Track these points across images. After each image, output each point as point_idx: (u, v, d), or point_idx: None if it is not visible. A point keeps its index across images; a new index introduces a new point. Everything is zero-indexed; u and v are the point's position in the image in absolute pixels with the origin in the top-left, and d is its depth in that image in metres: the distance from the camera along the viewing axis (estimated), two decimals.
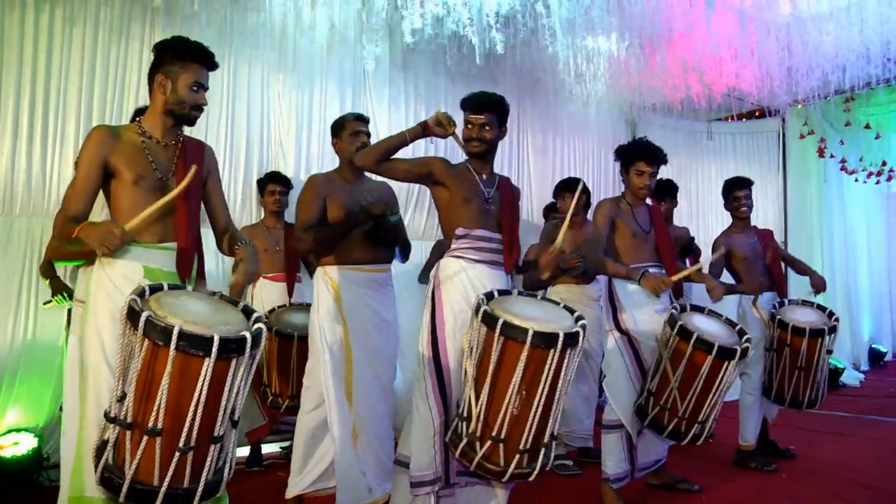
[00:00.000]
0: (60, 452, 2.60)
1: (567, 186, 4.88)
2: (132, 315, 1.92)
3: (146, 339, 1.89)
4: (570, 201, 4.74)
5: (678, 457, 4.20)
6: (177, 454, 1.92)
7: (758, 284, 4.56)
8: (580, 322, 2.57)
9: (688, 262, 5.23)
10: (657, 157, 3.71)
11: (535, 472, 2.53)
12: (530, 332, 2.36)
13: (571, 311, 2.72)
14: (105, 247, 2.17)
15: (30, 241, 4.15)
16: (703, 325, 3.42)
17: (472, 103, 2.98)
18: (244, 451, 4.46)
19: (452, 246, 2.94)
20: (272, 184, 4.60)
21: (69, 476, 2.26)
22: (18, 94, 4.10)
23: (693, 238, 5.40)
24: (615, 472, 3.59)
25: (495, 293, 2.69)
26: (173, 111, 2.46)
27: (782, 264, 4.88)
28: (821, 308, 4.46)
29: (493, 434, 2.47)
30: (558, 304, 2.80)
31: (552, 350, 2.39)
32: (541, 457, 2.54)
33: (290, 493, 3.37)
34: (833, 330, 4.21)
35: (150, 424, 1.89)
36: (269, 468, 4.39)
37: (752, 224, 4.77)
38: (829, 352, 4.28)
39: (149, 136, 2.46)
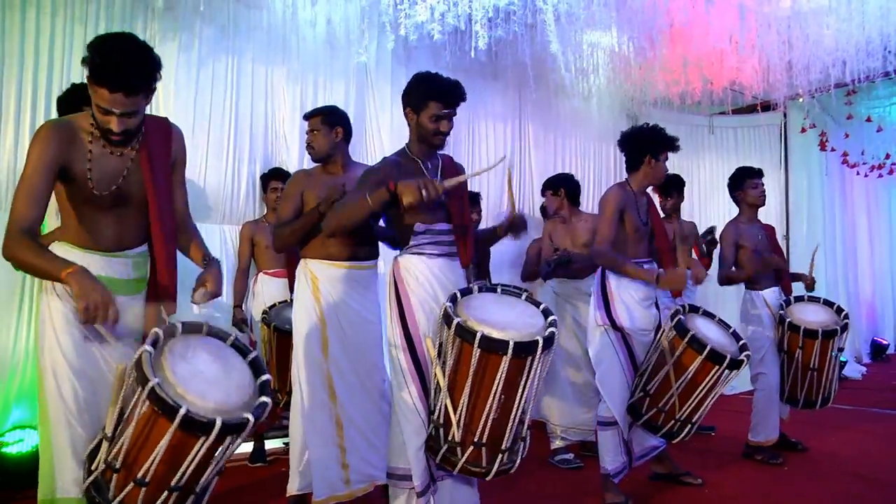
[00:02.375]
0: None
1: (550, 185, 4.93)
2: (142, 376, 1.86)
3: (148, 403, 1.84)
4: (552, 199, 4.82)
5: (681, 451, 4.21)
6: (191, 497, 1.96)
7: (763, 277, 4.57)
8: (549, 318, 2.54)
9: (693, 252, 5.25)
10: (677, 146, 3.76)
11: (516, 466, 2.54)
12: (511, 345, 2.32)
13: (537, 305, 2.66)
14: (88, 315, 1.93)
15: None
16: (707, 330, 3.42)
17: (453, 97, 2.78)
18: (248, 447, 4.48)
19: (411, 242, 2.78)
20: (274, 180, 4.63)
21: (41, 478, 2.17)
22: (20, 93, 4.10)
23: (713, 229, 5.38)
24: (614, 467, 3.59)
25: (458, 294, 2.61)
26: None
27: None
28: (828, 303, 4.44)
29: (476, 440, 2.45)
30: (520, 296, 2.73)
31: (531, 357, 2.37)
32: (518, 452, 2.56)
33: (291, 490, 3.37)
34: (845, 328, 4.19)
35: (139, 476, 1.88)
36: (273, 463, 4.40)
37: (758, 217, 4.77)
38: (841, 349, 4.27)
39: (100, 138, 2.19)
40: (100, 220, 2.23)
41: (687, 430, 3.37)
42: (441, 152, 2.96)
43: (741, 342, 3.43)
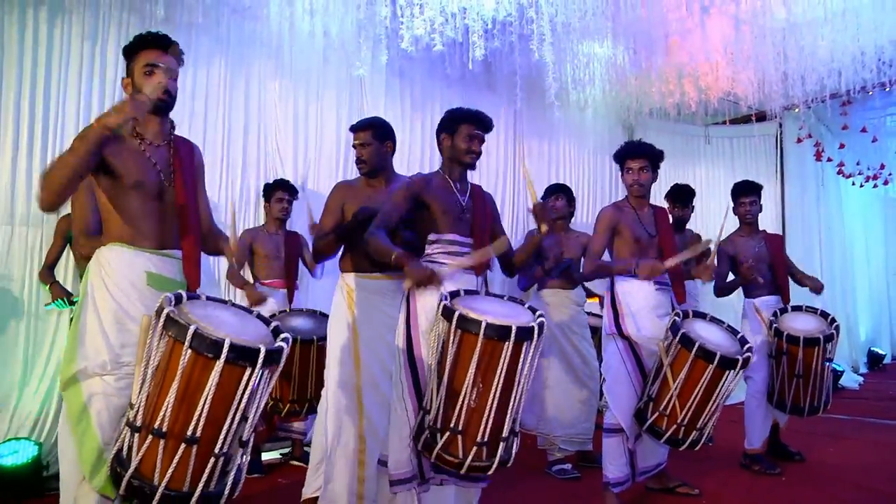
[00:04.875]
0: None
1: (563, 190, 4.93)
2: (175, 325, 1.94)
3: (191, 350, 1.91)
4: (554, 204, 4.81)
5: (680, 460, 4.20)
6: (212, 460, 1.99)
7: (757, 286, 4.61)
8: (537, 312, 2.67)
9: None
10: (640, 151, 3.78)
11: (494, 467, 2.57)
12: (514, 329, 2.43)
13: (521, 303, 2.81)
14: (125, 113, 2.10)
15: (30, 250, 4.16)
16: (705, 332, 3.43)
17: (483, 120, 3.06)
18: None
19: (425, 250, 2.99)
20: (281, 191, 4.61)
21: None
22: (18, 105, 4.12)
23: (707, 242, 5.33)
24: (616, 477, 3.59)
25: (462, 292, 2.77)
26: None
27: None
28: (823, 315, 4.46)
29: (452, 425, 2.53)
30: (522, 303, 2.86)
31: (506, 342, 2.45)
32: (500, 451, 2.57)
33: (306, 494, 3.39)
34: (829, 338, 4.20)
35: (156, 425, 1.93)
36: (269, 474, 4.38)
37: (762, 228, 4.83)
38: (829, 359, 4.28)
39: (144, 137, 2.42)
40: (143, 215, 2.37)
41: (692, 436, 3.36)
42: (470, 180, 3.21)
43: (746, 345, 3.42)
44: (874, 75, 5.87)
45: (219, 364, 1.89)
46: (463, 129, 3.03)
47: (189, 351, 1.90)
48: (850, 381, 8.19)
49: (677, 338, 3.32)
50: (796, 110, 7.36)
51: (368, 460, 3.19)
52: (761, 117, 7.70)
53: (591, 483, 4.07)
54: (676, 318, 3.44)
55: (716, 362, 3.20)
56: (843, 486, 4.09)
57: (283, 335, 2.14)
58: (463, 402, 2.50)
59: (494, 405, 2.51)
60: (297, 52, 5.15)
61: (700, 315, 3.66)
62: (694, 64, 5.98)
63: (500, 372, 2.48)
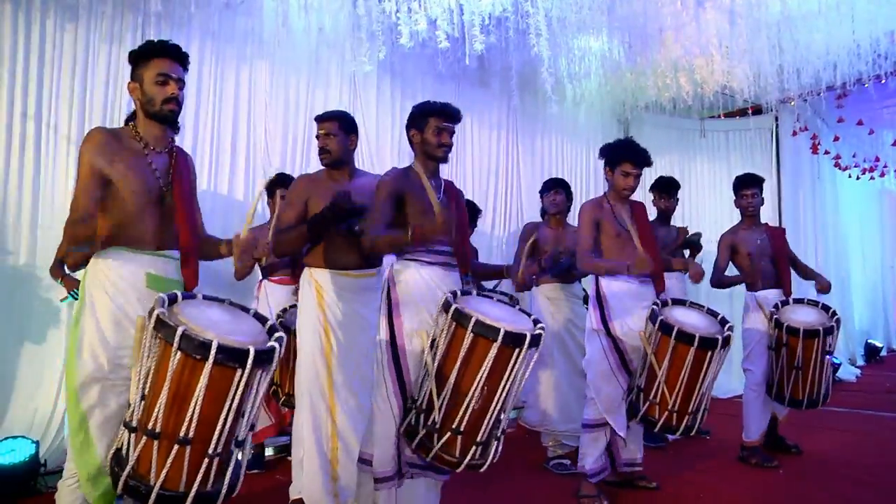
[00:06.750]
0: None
1: (563, 185, 4.92)
2: (164, 327, 1.96)
3: (180, 352, 1.93)
4: (554, 198, 4.81)
5: (678, 453, 4.21)
6: (206, 460, 2.01)
7: (760, 279, 4.63)
8: (539, 325, 2.72)
9: (686, 254, 5.24)
10: (644, 159, 3.74)
11: (487, 465, 2.67)
12: (502, 332, 2.50)
13: (528, 314, 2.88)
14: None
15: (23, 248, 4.13)
16: (684, 317, 3.50)
17: (451, 112, 3.05)
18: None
19: (407, 250, 2.97)
20: (283, 188, 4.54)
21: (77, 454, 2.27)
22: (11, 104, 4.09)
23: (697, 235, 5.31)
24: (594, 468, 3.68)
25: (458, 292, 2.81)
26: (148, 112, 2.49)
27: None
28: (825, 308, 4.47)
29: (454, 426, 2.59)
30: (513, 306, 2.94)
31: (519, 349, 2.53)
32: (491, 450, 2.69)
33: (293, 494, 3.33)
34: (830, 331, 4.21)
35: (182, 434, 1.96)
36: (269, 470, 4.37)
37: (763, 221, 4.83)
38: (830, 352, 4.29)
39: (146, 143, 2.49)
40: (143, 219, 2.42)
41: (686, 422, 3.39)
42: (443, 176, 3.20)
43: (727, 325, 3.46)
44: (870, 67, 5.88)
45: (208, 366, 1.91)
46: (431, 123, 3.02)
47: (178, 353, 1.91)
48: (847, 373, 8.21)
49: (656, 325, 3.39)
50: (792, 103, 7.35)
51: (341, 458, 3.12)
52: (757, 110, 7.70)
53: None
54: (655, 307, 3.51)
55: (696, 344, 3.27)
56: (841, 480, 4.10)
57: (277, 334, 2.16)
58: (468, 404, 2.55)
59: (498, 408, 2.62)
60: (289, 48, 5.13)
61: (679, 302, 3.73)
62: (689, 57, 5.98)
63: (510, 377, 2.58)
